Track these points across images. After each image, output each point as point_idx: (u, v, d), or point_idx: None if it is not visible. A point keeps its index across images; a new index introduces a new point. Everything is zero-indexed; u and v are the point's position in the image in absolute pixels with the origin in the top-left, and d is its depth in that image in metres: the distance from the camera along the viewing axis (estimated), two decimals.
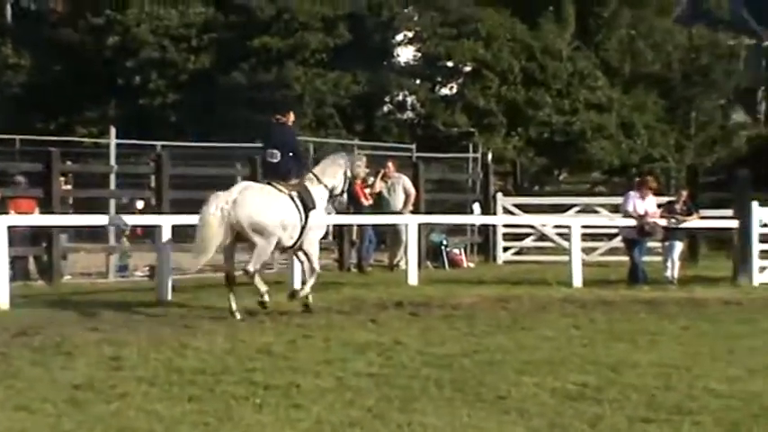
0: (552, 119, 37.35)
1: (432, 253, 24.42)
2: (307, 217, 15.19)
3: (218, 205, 14.66)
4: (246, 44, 37.10)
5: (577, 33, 39.53)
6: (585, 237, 22.21)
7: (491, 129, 36.84)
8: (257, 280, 14.99)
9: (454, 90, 39.61)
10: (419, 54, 39.64)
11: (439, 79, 39.98)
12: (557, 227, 23.99)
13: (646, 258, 20.74)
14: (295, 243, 15.36)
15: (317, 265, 15.82)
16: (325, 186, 15.70)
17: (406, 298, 17.24)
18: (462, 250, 25.61)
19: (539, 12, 39.05)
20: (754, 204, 20.42)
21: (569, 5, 39.46)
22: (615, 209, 22.72)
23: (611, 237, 24.02)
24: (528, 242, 25.85)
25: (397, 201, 23.07)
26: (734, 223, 20.72)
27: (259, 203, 14.79)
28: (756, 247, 20.27)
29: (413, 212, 22.64)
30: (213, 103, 36.85)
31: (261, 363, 11.27)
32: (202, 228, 14.69)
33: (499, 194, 26.51)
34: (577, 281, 19.82)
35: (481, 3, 39.00)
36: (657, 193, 21.85)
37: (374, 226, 22.50)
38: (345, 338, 13.02)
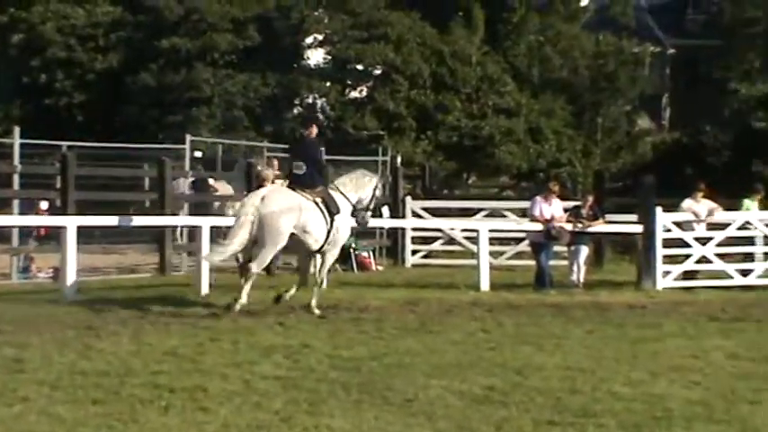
0: (461, 123, 37.55)
1: (340, 256, 24.34)
2: (332, 221, 15.93)
3: (248, 210, 15.47)
4: (155, 44, 36.76)
5: (487, 38, 39.81)
6: (493, 240, 22.33)
7: (400, 132, 36.95)
8: (248, 286, 15.47)
9: (364, 93, 39.69)
10: (329, 57, 39.64)
11: (349, 82, 40.04)
12: (465, 230, 24.08)
13: (552, 262, 20.93)
14: (322, 246, 16.07)
15: (325, 278, 16.75)
16: (347, 198, 16.42)
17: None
18: (371, 253, 25.63)
19: (448, 16, 39.27)
20: (658, 210, 20.71)
21: (479, 11, 39.72)
22: (523, 213, 22.89)
23: (518, 241, 24.20)
24: (436, 245, 25.93)
25: None
26: (638, 228, 20.99)
27: (281, 206, 15.55)
28: (660, 251, 20.55)
29: None
30: (120, 103, 36.46)
31: (167, 365, 11.17)
32: (237, 228, 15.41)
33: (408, 198, 26.55)
34: (485, 284, 19.92)
35: (391, 6, 39.10)
36: (564, 198, 22.08)
37: None
38: (253, 341, 12.96)
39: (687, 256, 20.70)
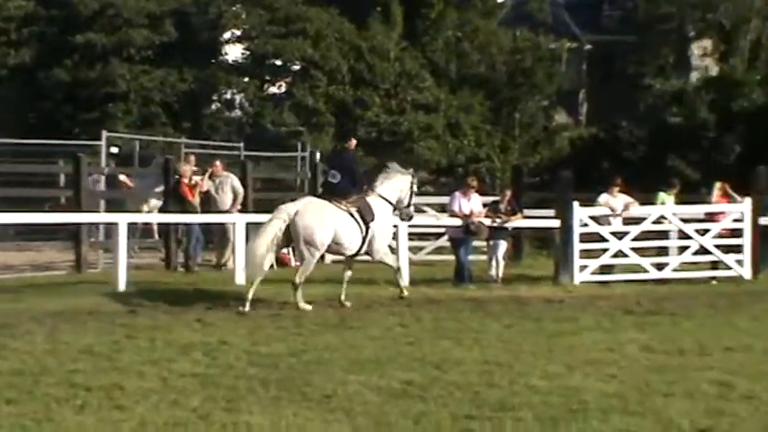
0: (380, 119, 37.58)
1: None
2: (368, 228, 16.69)
3: (281, 216, 16.35)
4: (69, 40, 36.26)
5: (405, 34, 39.87)
6: (412, 236, 22.36)
7: (319, 128, 36.88)
8: (299, 295, 16.34)
9: (283, 89, 39.57)
10: (247, 52, 39.44)
11: (267, 78, 39.87)
12: None
13: (471, 257, 21.02)
14: (357, 252, 16.92)
15: (395, 263, 17.64)
16: (386, 200, 17.22)
17: (234, 297, 17.12)
18: (290, 250, 25.49)
19: (366, 12, 39.26)
20: (575, 204, 20.89)
21: (396, 6, 39.78)
22: (442, 208, 22.95)
23: (437, 236, 24.26)
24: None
25: (226, 200, 22.89)
26: (556, 223, 21.17)
27: (317, 219, 16.35)
28: (577, 246, 20.73)
29: (241, 211, 22.48)
30: (34, 99, 35.94)
31: (83, 364, 11.05)
32: (262, 234, 16.32)
33: None
34: (404, 280, 19.93)
35: (309, 2, 39.01)
36: (483, 193, 22.18)
37: (202, 225, 22.27)
38: (171, 339, 12.87)
39: (604, 251, 20.91)
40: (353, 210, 16.72)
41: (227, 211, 22.49)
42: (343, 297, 16.82)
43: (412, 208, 17.99)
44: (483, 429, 8.66)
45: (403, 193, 17.61)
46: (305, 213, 16.36)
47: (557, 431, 8.63)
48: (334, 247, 16.89)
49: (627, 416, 9.08)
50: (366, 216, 16.76)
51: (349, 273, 17.22)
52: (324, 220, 16.42)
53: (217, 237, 23.14)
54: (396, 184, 17.61)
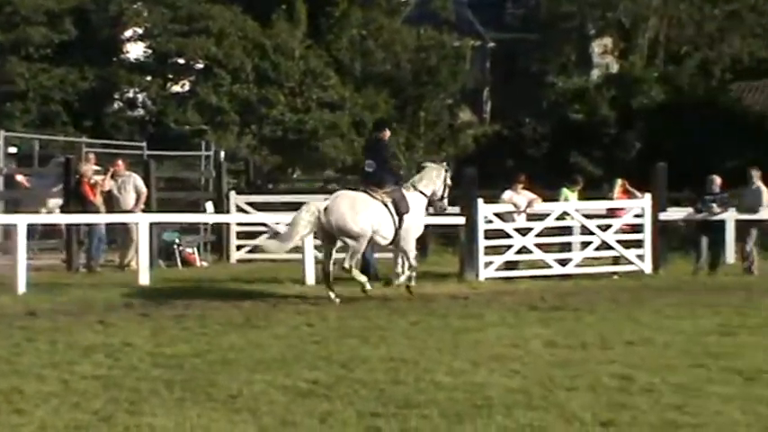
0: (285, 117, 37.48)
1: (164, 252, 24.07)
2: (401, 220, 17.16)
3: (310, 210, 16.95)
4: None
5: (309, 32, 39.79)
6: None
7: (224, 127, 36.67)
8: (355, 273, 17.13)
9: (186, 87, 39.27)
10: (149, 50, 39.05)
11: (170, 76, 39.53)
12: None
13: (377, 255, 21.05)
14: (391, 242, 17.47)
15: (414, 262, 17.88)
16: (422, 193, 17.77)
17: (137, 298, 16.95)
18: (195, 249, 25.36)
19: (270, 10, 39.10)
20: (480, 201, 21.01)
21: (301, 4, 39.65)
22: None
23: None
24: (262, 240, 25.76)
25: (128, 199, 22.67)
26: (461, 220, 21.27)
27: (347, 211, 16.86)
28: (482, 243, 20.85)
29: (144, 211, 22.27)
30: None
31: None
32: (292, 226, 17.16)
33: (232, 193, 26.36)
34: (310, 278, 19.93)
35: (212, 0, 38.73)
36: None
37: (104, 225, 22.01)
38: (72, 341, 12.68)
39: (508, 247, 21.07)
40: (388, 200, 17.21)
41: (129, 211, 22.26)
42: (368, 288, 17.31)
43: (446, 201, 18.45)
44: (388, 426, 8.66)
45: (437, 187, 18.09)
46: (334, 207, 16.93)
47: (461, 427, 8.65)
48: (372, 237, 17.31)
49: (530, 410, 9.14)
50: (401, 208, 17.27)
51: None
52: (356, 209, 16.94)
53: (120, 237, 22.89)
54: (430, 178, 18.11)
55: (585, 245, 21.62)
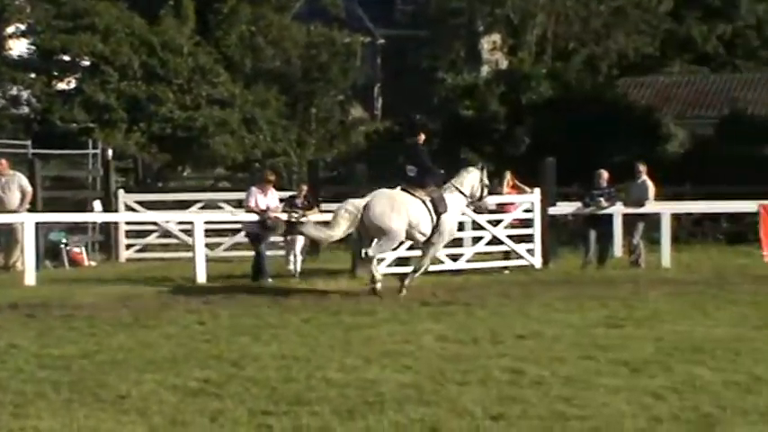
0: (174, 114, 37.12)
1: (51, 252, 23.66)
2: (438, 219, 17.70)
3: (347, 209, 17.49)
4: None
5: (197, 29, 39.48)
6: (209, 232, 22.17)
7: (111, 124, 36.18)
8: (374, 265, 17.66)
9: (72, 85, 38.64)
10: (33, 47, 38.36)
11: (55, 73, 38.87)
12: (180, 223, 23.80)
13: (269, 253, 20.96)
14: (428, 239, 17.87)
15: (427, 262, 18.32)
16: (462, 194, 18.31)
17: (23, 299, 16.66)
18: (83, 249, 24.97)
19: (158, 6, 38.71)
20: None
21: (189, 1, 39.34)
22: (239, 204, 22.82)
23: (235, 232, 24.10)
24: (151, 239, 25.51)
25: (13, 199, 22.22)
26: None
27: (385, 209, 17.41)
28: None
29: (29, 211, 21.86)
30: None
31: None
32: (333, 223, 17.63)
33: (121, 191, 26.00)
34: (202, 277, 19.78)
35: None
36: (280, 188, 22.13)
37: None
38: None
39: (400, 243, 21.09)
40: (427, 199, 17.75)
41: (14, 211, 21.83)
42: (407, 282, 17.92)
43: (486, 200, 18.97)
44: (280, 424, 8.63)
45: (475, 188, 18.50)
46: (373, 205, 17.43)
47: (353, 423, 8.66)
48: (408, 231, 17.71)
49: (422, 406, 9.18)
50: (439, 207, 17.79)
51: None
52: (394, 207, 17.45)
53: (4, 237, 22.43)
54: (468, 179, 18.52)
55: (476, 240, 21.78)
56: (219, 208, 25.12)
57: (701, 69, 48.77)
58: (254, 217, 20.49)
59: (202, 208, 25.12)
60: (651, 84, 45.56)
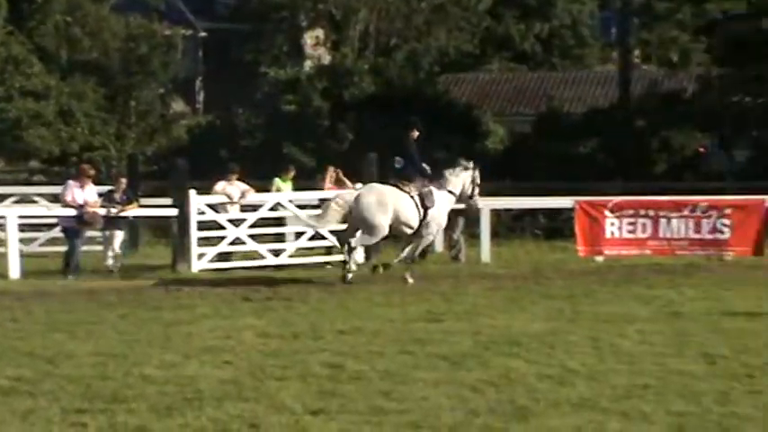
0: None
1: None
2: (426, 214, 18.14)
3: (338, 201, 18.11)
4: None
5: (10, 18, 38.33)
6: (24, 227, 21.61)
7: None
8: (352, 256, 18.09)
9: None
10: None
11: None
12: None
13: (88, 248, 20.56)
14: (415, 233, 18.33)
15: (417, 253, 18.68)
16: (450, 192, 18.62)
17: None
18: None
19: None
20: (192, 193, 20.83)
21: None
22: (55, 198, 22.30)
23: (50, 227, 23.53)
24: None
25: None
26: (173, 211, 21.04)
27: (370, 204, 17.90)
28: (195, 234, 20.68)
29: None
30: None
31: None
32: (325, 212, 18.32)
33: None
34: (15, 273, 19.29)
35: None
36: (98, 182, 21.72)
37: None
38: None
39: (221, 238, 20.97)
40: (415, 194, 18.21)
41: None
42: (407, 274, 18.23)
43: (477, 199, 19.20)
44: (95, 422, 8.45)
45: (465, 186, 18.79)
46: (361, 198, 17.96)
47: (171, 420, 8.54)
48: (395, 225, 18.11)
49: (241, 402, 9.13)
50: (426, 202, 18.25)
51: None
52: (381, 202, 17.92)
53: None
54: (460, 177, 18.81)
55: (299, 235, 21.76)
56: (34, 202, 24.50)
57: (520, 67, 49.80)
58: (70, 211, 20.06)
59: (16, 202, 24.48)
60: (471, 81, 46.32)
